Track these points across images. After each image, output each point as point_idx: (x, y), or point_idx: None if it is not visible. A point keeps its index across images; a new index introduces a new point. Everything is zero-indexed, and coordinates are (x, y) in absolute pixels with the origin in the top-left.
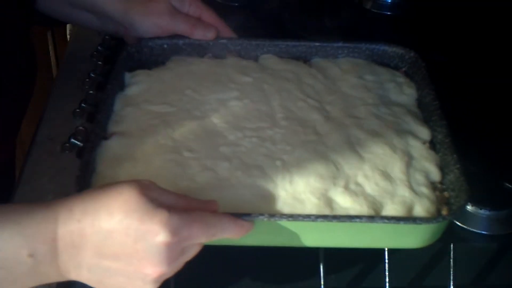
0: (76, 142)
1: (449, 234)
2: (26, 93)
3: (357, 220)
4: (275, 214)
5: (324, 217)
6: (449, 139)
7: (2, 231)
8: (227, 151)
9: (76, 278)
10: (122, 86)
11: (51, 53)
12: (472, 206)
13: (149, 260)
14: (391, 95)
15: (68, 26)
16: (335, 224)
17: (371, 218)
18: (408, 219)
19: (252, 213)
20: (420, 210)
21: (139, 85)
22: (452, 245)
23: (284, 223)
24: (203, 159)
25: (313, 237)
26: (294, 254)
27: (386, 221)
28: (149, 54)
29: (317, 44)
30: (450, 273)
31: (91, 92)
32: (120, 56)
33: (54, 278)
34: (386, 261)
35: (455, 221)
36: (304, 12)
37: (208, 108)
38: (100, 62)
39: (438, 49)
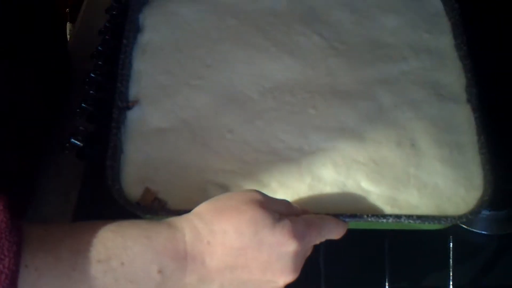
0: (76, 142)
1: (449, 234)
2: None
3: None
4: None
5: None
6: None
7: (134, 244)
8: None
9: None
10: (136, 35)
11: None
12: None
13: (283, 270)
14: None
15: (68, 26)
16: None
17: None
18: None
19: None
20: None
21: (156, 30)
22: (451, 245)
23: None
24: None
25: None
26: None
27: (411, 221)
28: None
29: None
30: (449, 273)
31: (91, 92)
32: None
33: None
34: (386, 261)
35: None
36: None
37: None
38: (100, 62)
39: None
